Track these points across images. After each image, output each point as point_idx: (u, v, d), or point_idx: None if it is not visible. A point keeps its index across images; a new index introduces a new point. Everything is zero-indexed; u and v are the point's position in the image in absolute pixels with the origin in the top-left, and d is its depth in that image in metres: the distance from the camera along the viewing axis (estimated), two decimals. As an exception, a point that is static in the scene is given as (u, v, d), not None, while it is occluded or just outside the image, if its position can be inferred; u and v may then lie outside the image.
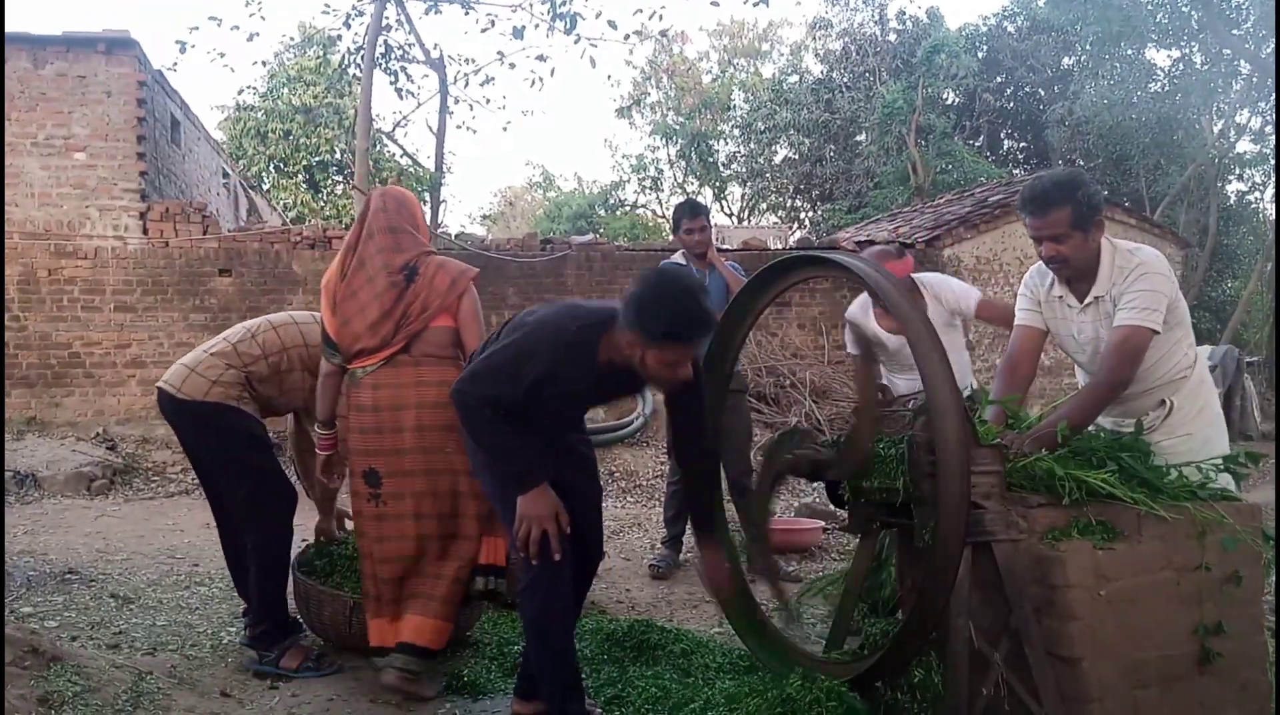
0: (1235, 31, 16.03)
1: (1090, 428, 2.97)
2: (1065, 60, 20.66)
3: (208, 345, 3.69)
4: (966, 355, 4.94)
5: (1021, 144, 22.77)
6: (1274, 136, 17.45)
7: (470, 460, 3.11)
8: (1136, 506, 2.53)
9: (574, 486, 2.97)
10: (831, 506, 5.82)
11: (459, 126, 15.09)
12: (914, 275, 4.51)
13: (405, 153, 11.02)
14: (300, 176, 20.45)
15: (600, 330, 2.74)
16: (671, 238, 6.48)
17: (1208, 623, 2.51)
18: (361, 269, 3.41)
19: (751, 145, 24.46)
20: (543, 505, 2.73)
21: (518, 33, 8.93)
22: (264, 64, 20.49)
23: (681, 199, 10.66)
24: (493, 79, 20.69)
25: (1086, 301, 3.04)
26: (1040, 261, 3.14)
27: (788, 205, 25.10)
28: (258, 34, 19.91)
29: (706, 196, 26.06)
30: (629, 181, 27.82)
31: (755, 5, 10.61)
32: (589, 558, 3.13)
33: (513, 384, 2.73)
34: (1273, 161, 19.36)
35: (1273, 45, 16.02)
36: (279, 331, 3.72)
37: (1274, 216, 19.80)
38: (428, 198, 12.58)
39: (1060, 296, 3.13)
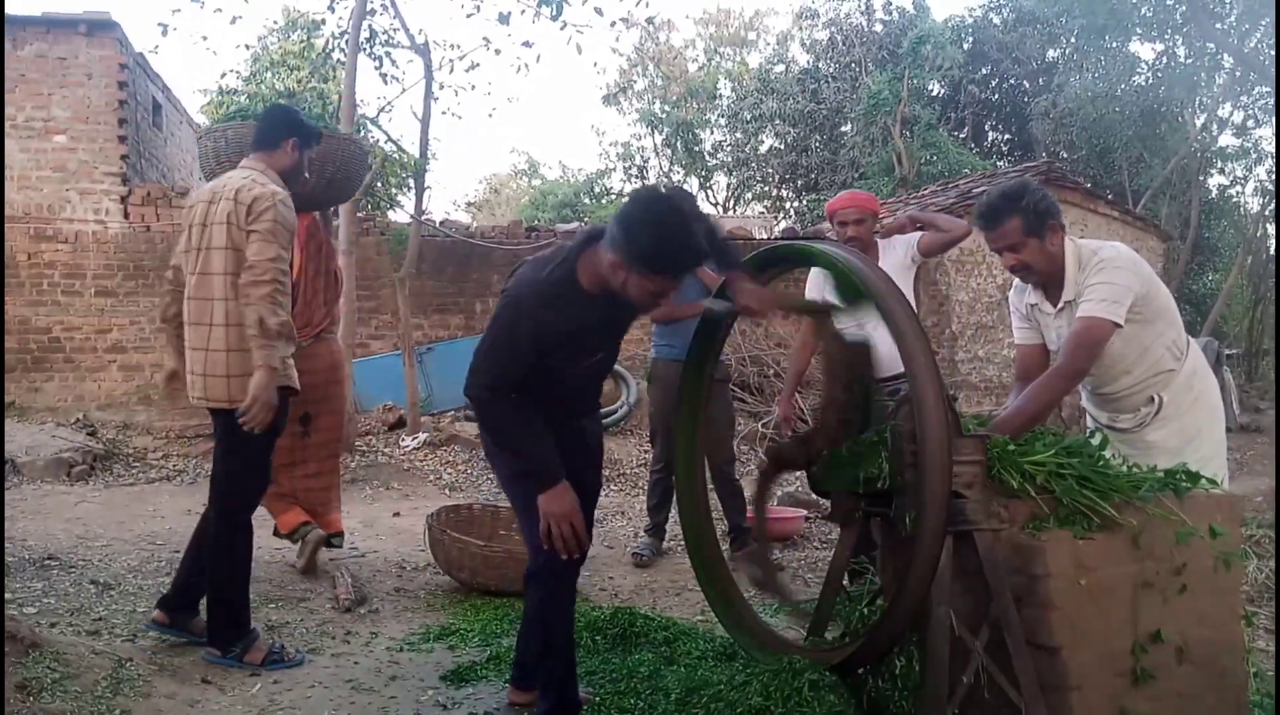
0: (1219, 25, 16.10)
1: (1092, 425, 3.02)
2: (1050, 53, 20.71)
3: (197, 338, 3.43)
4: (911, 299, 4.58)
5: (1006, 136, 22.81)
6: (1270, 125, 17.56)
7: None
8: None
9: (578, 478, 2.98)
10: (814, 496, 5.83)
11: (444, 113, 14.88)
12: (878, 238, 4.50)
13: (390, 138, 10.87)
14: (284, 161, 20.24)
15: (572, 262, 2.69)
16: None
17: (1163, 622, 2.50)
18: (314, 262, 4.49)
19: (737, 134, 24.42)
20: (566, 502, 2.71)
21: (503, 18, 8.83)
22: (247, 48, 20.29)
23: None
24: (478, 65, 20.43)
25: (1060, 307, 3.10)
26: (1016, 279, 3.23)
27: (773, 195, 25.09)
28: (240, 17, 19.62)
29: (692, 185, 26.03)
30: (614, 169, 27.78)
31: None
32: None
33: (515, 356, 2.67)
34: (1254, 155, 19.51)
35: (1255, 39, 16.12)
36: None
37: (1262, 209, 19.95)
38: (412, 184, 12.51)
39: (1035, 303, 3.20)
